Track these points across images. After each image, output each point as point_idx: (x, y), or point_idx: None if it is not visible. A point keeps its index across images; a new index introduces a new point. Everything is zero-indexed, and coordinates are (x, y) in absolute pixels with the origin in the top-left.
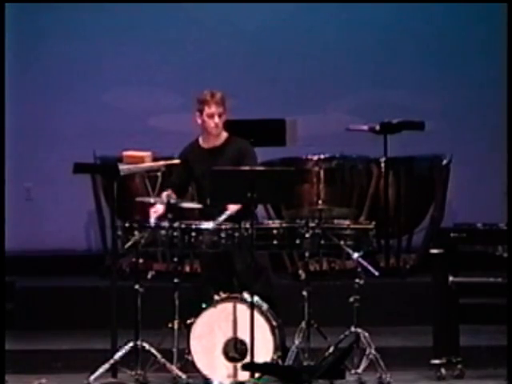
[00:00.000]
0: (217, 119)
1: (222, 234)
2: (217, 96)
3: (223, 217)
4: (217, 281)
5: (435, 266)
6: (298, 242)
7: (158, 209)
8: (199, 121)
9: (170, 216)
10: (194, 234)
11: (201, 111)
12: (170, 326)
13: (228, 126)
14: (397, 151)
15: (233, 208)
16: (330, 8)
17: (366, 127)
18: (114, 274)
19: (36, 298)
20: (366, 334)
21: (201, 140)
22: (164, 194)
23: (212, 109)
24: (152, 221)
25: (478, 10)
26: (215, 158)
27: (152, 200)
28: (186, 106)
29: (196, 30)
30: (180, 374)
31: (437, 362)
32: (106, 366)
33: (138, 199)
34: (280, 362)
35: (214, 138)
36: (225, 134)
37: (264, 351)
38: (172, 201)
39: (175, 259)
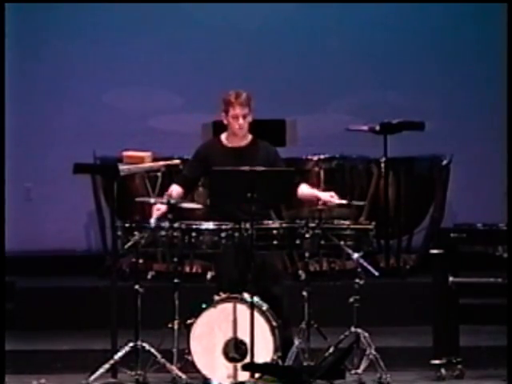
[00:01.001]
0: (241, 120)
1: (223, 234)
2: (241, 97)
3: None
4: (234, 281)
5: (435, 266)
6: (298, 242)
7: (160, 207)
8: (225, 121)
9: (170, 216)
10: (194, 234)
11: (226, 112)
12: (170, 326)
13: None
14: (397, 151)
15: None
16: (330, 8)
17: (365, 127)
18: (114, 274)
19: (36, 298)
20: (366, 334)
21: (224, 138)
22: (170, 190)
23: (236, 110)
24: (153, 220)
25: (477, 9)
26: (242, 158)
27: (152, 200)
28: (186, 106)
29: (196, 30)
30: (180, 374)
31: (437, 362)
32: (106, 366)
33: (138, 199)
34: (280, 362)
35: (240, 138)
36: (250, 136)
37: (264, 351)
38: (172, 201)
39: (175, 259)
